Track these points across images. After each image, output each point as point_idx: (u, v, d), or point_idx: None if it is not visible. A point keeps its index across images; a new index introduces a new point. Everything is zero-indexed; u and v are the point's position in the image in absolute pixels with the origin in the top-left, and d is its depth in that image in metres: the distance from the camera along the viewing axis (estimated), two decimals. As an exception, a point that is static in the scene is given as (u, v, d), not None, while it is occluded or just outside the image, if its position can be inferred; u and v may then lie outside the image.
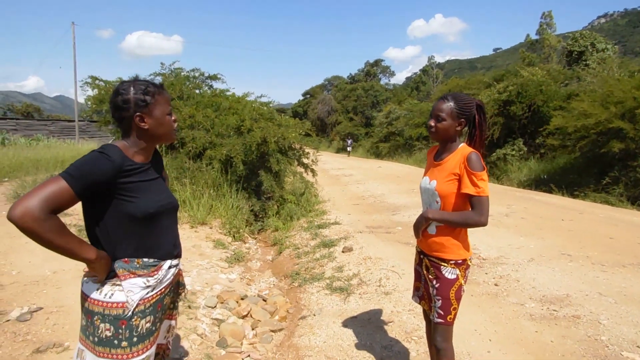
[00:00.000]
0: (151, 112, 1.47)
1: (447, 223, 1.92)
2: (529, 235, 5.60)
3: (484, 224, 1.83)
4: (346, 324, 3.24)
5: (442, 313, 1.97)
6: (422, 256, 2.11)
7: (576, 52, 20.65)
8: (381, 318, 3.31)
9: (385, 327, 3.16)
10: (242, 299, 3.97)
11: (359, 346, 2.89)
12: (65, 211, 1.30)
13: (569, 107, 11.20)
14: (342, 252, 5.07)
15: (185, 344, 2.92)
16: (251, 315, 3.67)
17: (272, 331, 3.39)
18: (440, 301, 1.96)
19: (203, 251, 5.14)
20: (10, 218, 1.19)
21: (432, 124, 1.97)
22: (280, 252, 5.69)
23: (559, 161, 11.80)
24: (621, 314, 3.22)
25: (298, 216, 7.17)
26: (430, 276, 2.03)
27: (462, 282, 1.97)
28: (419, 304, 2.22)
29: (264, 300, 4.06)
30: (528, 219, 6.61)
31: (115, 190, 1.38)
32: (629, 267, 4.26)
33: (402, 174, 14.45)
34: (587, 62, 19.36)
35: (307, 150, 8.35)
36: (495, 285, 3.90)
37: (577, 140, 10.22)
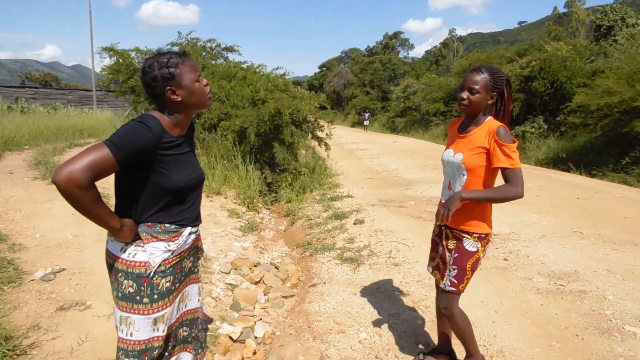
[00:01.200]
0: (180, 83, 1.47)
1: (485, 200, 1.88)
2: (543, 212, 5.57)
3: (521, 195, 1.81)
4: (355, 292, 3.34)
5: (455, 282, 2.00)
6: (443, 228, 2.11)
7: (605, 27, 19.82)
8: (390, 288, 3.39)
9: (394, 296, 3.24)
10: (255, 266, 4.10)
11: (367, 313, 2.98)
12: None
13: (593, 84, 10.84)
14: (354, 224, 5.14)
15: (200, 305, 3.05)
16: (263, 282, 3.80)
17: (284, 297, 3.51)
18: (456, 271, 1.99)
19: (218, 220, 5.28)
20: (55, 181, 1.23)
21: (465, 96, 1.90)
22: (293, 223, 5.79)
23: (579, 140, 11.53)
24: (627, 290, 3.24)
25: (311, 188, 7.24)
26: (450, 246, 2.04)
27: (481, 255, 1.99)
28: (431, 273, 2.25)
29: (276, 268, 4.19)
30: (543, 196, 6.55)
31: (152, 162, 1.43)
32: (642, 246, 4.23)
33: (417, 149, 14.34)
34: (616, 37, 18.57)
35: (321, 124, 8.33)
36: (505, 260, 3.93)
37: (599, 118, 9.94)
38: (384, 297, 3.24)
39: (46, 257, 3.49)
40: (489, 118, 1.94)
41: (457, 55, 45.52)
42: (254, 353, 2.64)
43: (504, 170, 1.82)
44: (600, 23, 20.18)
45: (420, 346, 2.60)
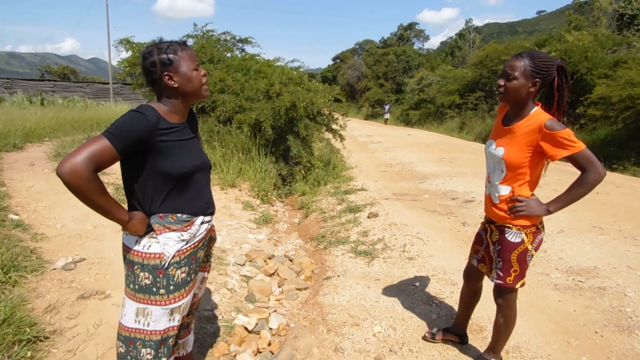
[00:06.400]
0: (177, 69, 1.51)
1: (572, 202, 1.84)
2: (561, 207, 5.46)
3: (603, 174, 1.74)
4: (369, 285, 3.34)
5: (501, 274, 1.98)
6: (487, 224, 2.11)
7: (628, 16, 19.20)
8: (404, 282, 3.38)
9: (408, 290, 3.24)
10: (269, 258, 4.13)
11: (381, 306, 2.98)
12: (104, 170, 1.39)
13: (615, 75, 10.57)
14: (368, 217, 5.13)
15: (216, 297, 3.10)
16: (278, 274, 3.83)
17: (298, 289, 3.53)
18: (501, 263, 1.97)
19: (232, 212, 5.32)
20: (59, 174, 1.27)
21: (502, 83, 1.81)
22: (307, 216, 5.81)
23: (599, 133, 11.28)
24: (649, 288, 3.17)
25: (325, 181, 7.24)
26: (493, 238, 2.03)
27: (529, 247, 1.92)
28: (477, 266, 2.21)
29: (290, 261, 4.21)
30: (561, 191, 6.38)
31: (153, 148, 1.46)
32: (664, 243, 4.13)
33: (432, 142, 14.20)
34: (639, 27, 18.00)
35: (335, 116, 8.30)
36: (521, 255, 3.88)
37: (621, 110, 9.72)
38: (398, 290, 3.23)
39: (67, 246, 3.56)
40: (536, 109, 1.83)
41: (473, 46, 44.74)
42: (269, 344, 2.67)
43: (570, 158, 1.74)
44: (623, 12, 19.56)
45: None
